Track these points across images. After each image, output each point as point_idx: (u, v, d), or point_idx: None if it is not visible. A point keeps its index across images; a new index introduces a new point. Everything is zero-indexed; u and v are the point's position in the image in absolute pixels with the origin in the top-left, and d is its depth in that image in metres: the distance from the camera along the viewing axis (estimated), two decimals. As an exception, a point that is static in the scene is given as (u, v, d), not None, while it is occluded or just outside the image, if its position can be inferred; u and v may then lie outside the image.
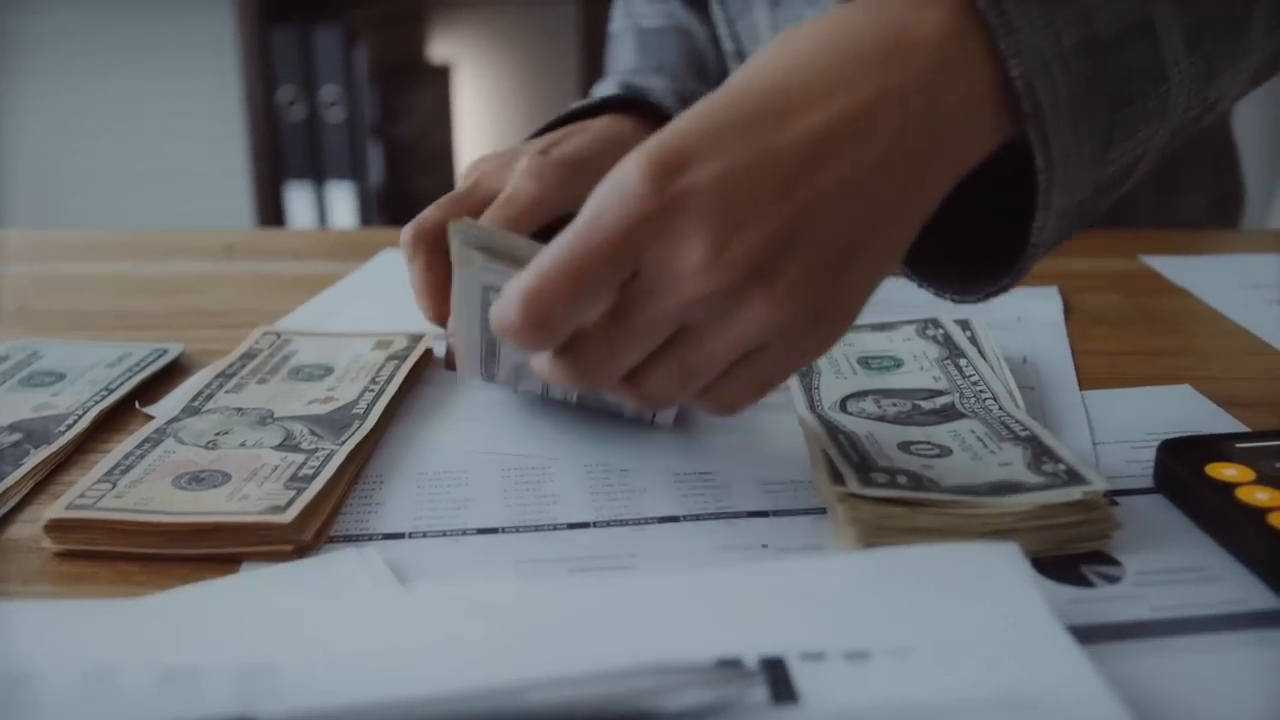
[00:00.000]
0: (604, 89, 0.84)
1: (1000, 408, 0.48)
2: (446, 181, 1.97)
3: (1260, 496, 0.42)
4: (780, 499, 0.44)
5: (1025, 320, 0.63)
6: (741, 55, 0.90)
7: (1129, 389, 0.54)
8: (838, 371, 0.52)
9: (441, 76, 1.99)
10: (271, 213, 1.82)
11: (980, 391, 0.50)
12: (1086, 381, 0.55)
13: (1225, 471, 0.44)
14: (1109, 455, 0.48)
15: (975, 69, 0.36)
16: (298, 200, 1.82)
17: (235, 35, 1.75)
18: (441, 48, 2.03)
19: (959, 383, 0.51)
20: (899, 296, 0.60)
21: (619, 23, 0.95)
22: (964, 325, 0.56)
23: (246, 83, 1.76)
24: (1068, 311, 0.64)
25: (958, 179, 0.38)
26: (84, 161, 1.98)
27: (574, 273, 0.35)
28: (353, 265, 0.74)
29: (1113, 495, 0.45)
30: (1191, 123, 0.43)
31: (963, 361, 0.53)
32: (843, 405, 0.49)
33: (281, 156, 1.80)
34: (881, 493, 0.40)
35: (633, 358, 0.37)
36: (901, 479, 0.41)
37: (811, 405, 0.49)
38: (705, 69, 0.93)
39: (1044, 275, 0.69)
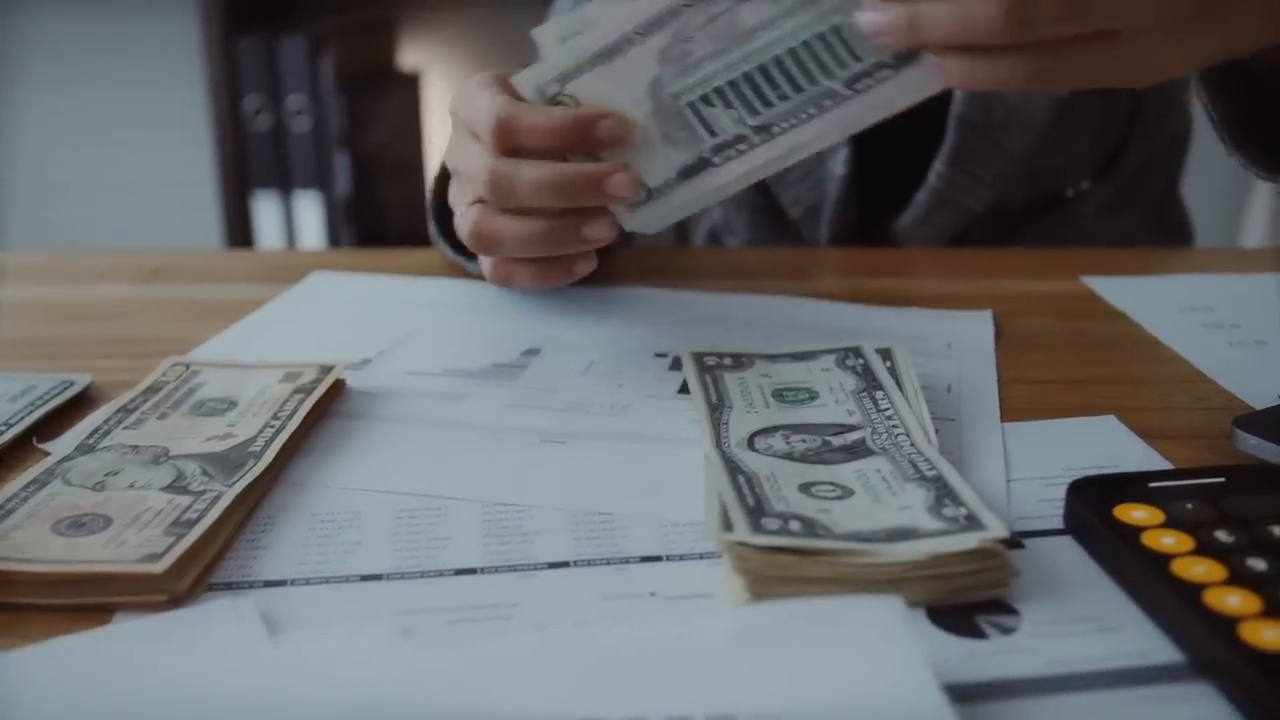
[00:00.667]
0: None
1: (912, 444, 0.47)
2: (416, 190, 1.95)
3: (1166, 542, 0.40)
4: (678, 542, 0.43)
5: (955, 347, 0.61)
6: None
7: (1052, 421, 0.53)
8: (750, 405, 0.51)
9: (411, 84, 1.98)
10: (238, 223, 1.80)
11: (894, 426, 0.49)
12: (1010, 412, 0.54)
13: (1134, 514, 0.42)
14: (1022, 493, 0.46)
15: None
16: (265, 210, 1.81)
17: (200, 44, 1.73)
18: (412, 55, 2.01)
19: (873, 417, 0.50)
20: (829, 321, 0.59)
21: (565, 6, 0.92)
22: (885, 355, 0.55)
23: (211, 92, 1.74)
24: (1000, 336, 0.63)
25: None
26: (47, 172, 1.96)
27: None
28: (280, 289, 0.72)
29: (1020, 537, 0.43)
30: None
31: (879, 394, 0.51)
32: (750, 442, 0.48)
33: (248, 166, 1.79)
34: (770, 541, 0.39)
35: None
36: (794, 525, 0.40)
37: (718, 442, 0.48)
38: None
39: (980, 298, 0.68)
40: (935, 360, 0.60)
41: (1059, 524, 0.44)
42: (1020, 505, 0.46)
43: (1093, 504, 0.43)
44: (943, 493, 0.42)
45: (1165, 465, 0.49)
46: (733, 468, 0.45)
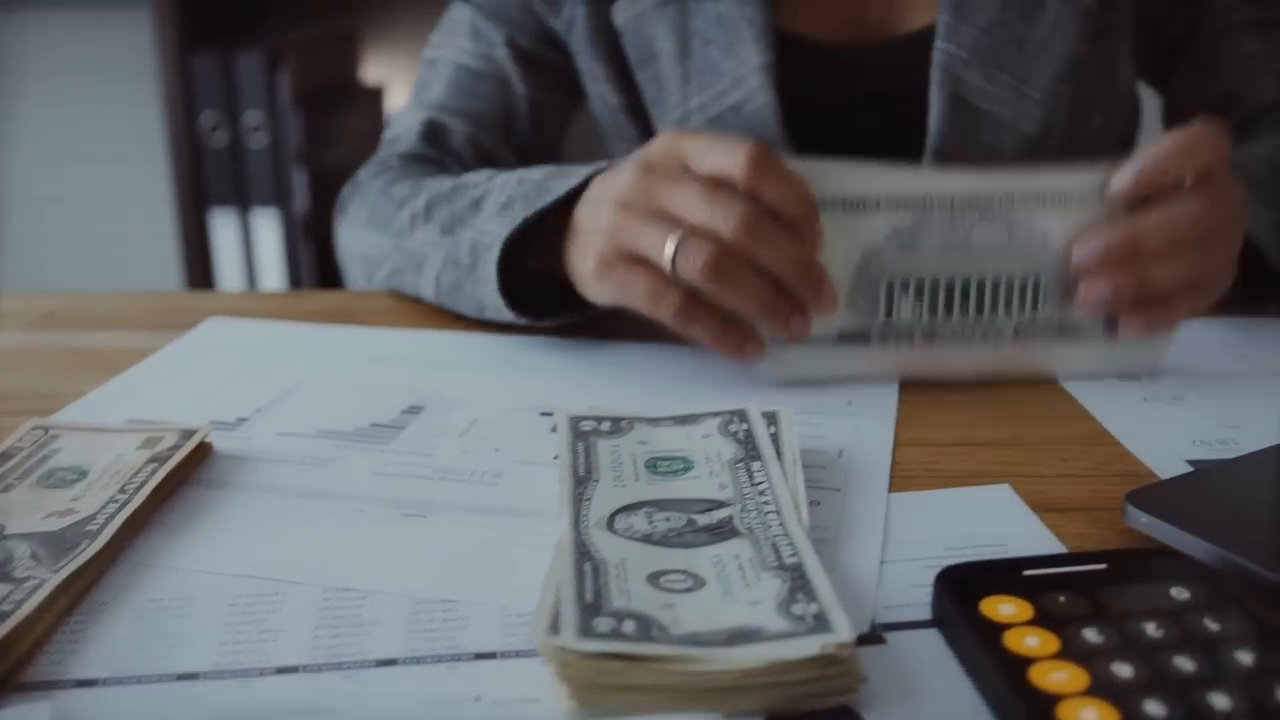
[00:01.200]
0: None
1: (781, 523, 0.44)
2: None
3: (1029, 642, 0.38)
4: (517, 635, 0.41)
5: (857, 403, 0.59)
6: (636, 110, 0.86)
7: (943, 490, 0.50)
8: (619, 477, 0.48)
9: (374, 99, 1.95)
10: (196, 241, 1.77)
11: (765, 503, 0.46)
12: (901, 479, 0.51)
13: (1001, 608, 0.40)
14: (896, 577, 0.44)
15: None
16: (222, 228, 1.78)
17: (154, 59, 1.70)
18: (374, 69, 1.98)
19: (745, 491, 0.47)
20: (737, 373, 0.57)
21: (438, 52, 0.91)
22: (771, 419, 0.52)
23: (167, 108, 1.72)
24: (906, 389, 0.60)
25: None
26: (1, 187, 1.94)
27: None
28: (175, 335, 0.70)
29: (884, 629, 0.41)
30: None
31: (756, 465, 0.49)
32: (611, 521, 0.45)
33: (204, 183, 1.76)
34: (598, 646, 0.36)
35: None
36: (628, 626, 0.37)
37: (576, 521, 0.45)
38: (513, 126, 0.89)
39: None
40: (833, 419, 0.57)
41: (929, 614, 0.42)
42: (891, 591, 0.43)
43: (958, 596, 0.40)
44: (797, 585, 0.40)
45: (1053, 544, 0.46)
46: (582, 554, 0.42)
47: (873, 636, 0.40)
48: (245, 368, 0.65)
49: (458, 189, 0.73)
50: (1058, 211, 0.59)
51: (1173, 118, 0.92)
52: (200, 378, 0.64)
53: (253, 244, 1.79)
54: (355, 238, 0.82)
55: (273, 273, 1.79)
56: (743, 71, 0.79)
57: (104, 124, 1.92)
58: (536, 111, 0.89)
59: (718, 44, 0.80)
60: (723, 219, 0.55)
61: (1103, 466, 0.53)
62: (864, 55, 0.84)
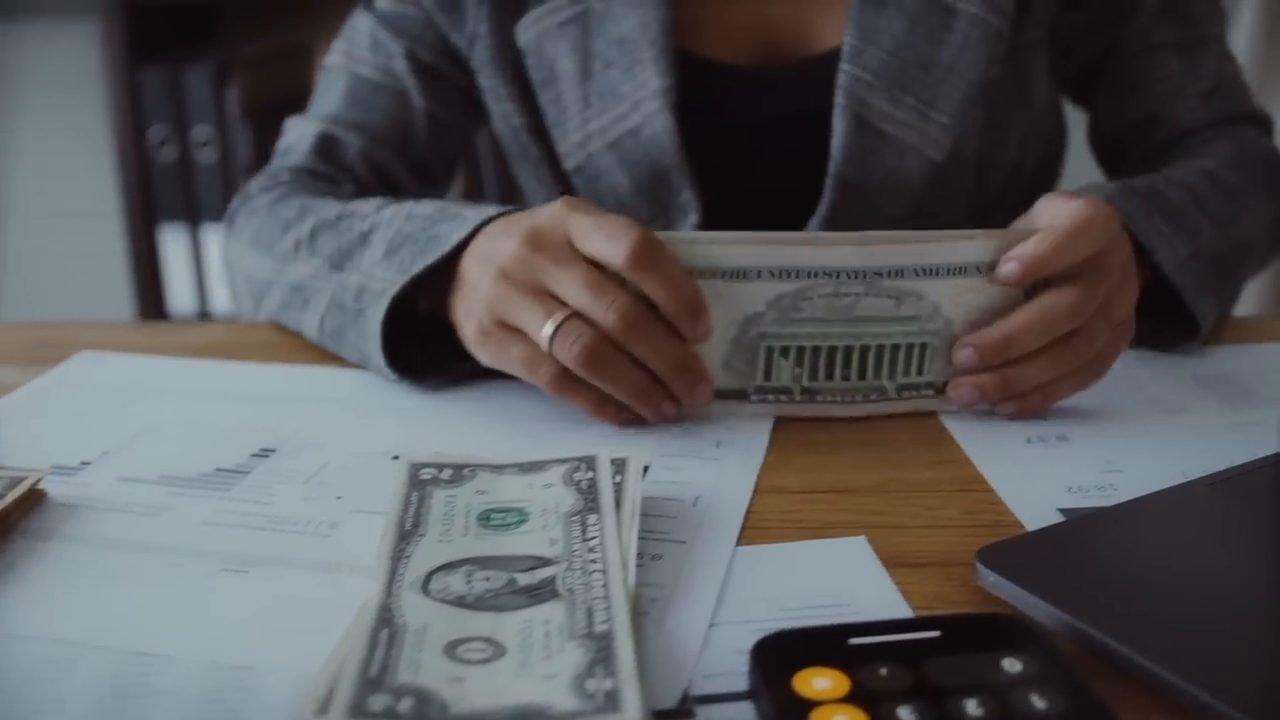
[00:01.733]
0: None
1: (604, 585, 0.42)
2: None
3: (837, 721, 0.35)
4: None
5: (726, 445, 0.57)
6: (539, 131, 0.83)
7: (795, 543, 0.48)
8: (446, 532, 0.46)
9: (331, 112, 1.93)
10: (145, 257, 1.75)
11: (593, 561, 0.44)
12: (754, 531, 0.49)
13: (815, 682, 0.37)
14: (722, 642, 0.41)
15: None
16: (172, 244, 1.76)
17: (102, 73, 1.68)
18: (332, 82, 1.96)
19: (575, 548, 0.45)
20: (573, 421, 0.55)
21: (336, 59, 0.88)
22: (620, 466, 0.50)
23: (115, 123, 1.69)
24: (779, 429, 0.58)
25: None
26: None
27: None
28: (43, 369, 0.67)
29: (697, 702, 0.38)
30: None
31: (593, 519, 0.46)
32: (427, 581, 0.43)
33: (154, 198, 1.74)
34: (365, 729, 0.34)
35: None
36: (406, 704, 0.35)
37: (390, 582, 0.43)
38: (410, 141, 0.86)
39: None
40: (696, 464, 0.55)
41: (746, 685, 0.39)
42: (714, 659, 0.41)
43: (773, 667, 0.38)
44: (600, 657, 0.37)
45: (898, 605, 0.44)
46: (383, 620, 0.40)
47: (682, 710, 0.38)
48: (103, 407, 0.62)
49: (344, 218, 0.71)
50: (948, 281, 0.57)
51: (1097, 139, 0.90)
52: (58, 417, 0.62)
53: (203, 260, 1.77)
54: (240, 256, 0.79)
55: (224, 289, 1.76)
56: (641, 95, 0.77)
57: (51, 138, 1.89)
58: (435, 127, 0.86)
59: (618, 66, 0.78)
60: (602, 311, 0.54)
61: (969, 516, 0.50)
62: (772, 77, 0.82)
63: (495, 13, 0.82)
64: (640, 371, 0.57)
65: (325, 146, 0.84)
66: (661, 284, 0.54)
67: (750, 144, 0.81)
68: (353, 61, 0.86)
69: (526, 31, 0.81)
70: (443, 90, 0.86)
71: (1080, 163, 0.95)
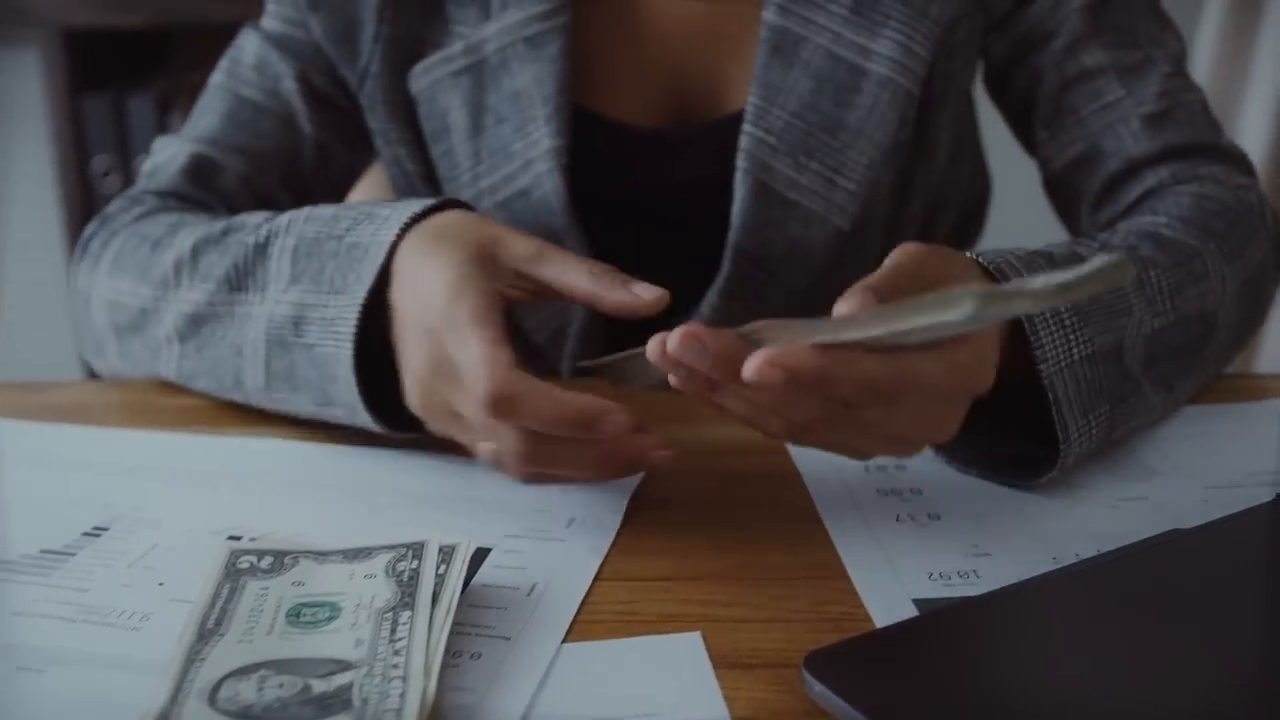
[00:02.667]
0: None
1: (401, 694, 0.40)
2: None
3: None
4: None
5: (579, 524, 0.54)
6: (432, 180, 0.80)
7: (625, 640, 0.46)
8: (250, 630, 0.44)
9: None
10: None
11: (394, 666, 0.41)
12: (584, 626, 0.47)
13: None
14: (522, 757, 0.39)
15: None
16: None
17: (45, 102, 1.66)
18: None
19: (380, 650, 0.42)
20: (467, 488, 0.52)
21: (219, 78, 0.81)
22: (447, 555, 0.48)
23: (58, 153, 1.67)
24: (639, 500, 0.56)
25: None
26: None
27: None
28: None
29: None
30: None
31: (405, 616, 0.44)
32: (216, 688, 0.40)
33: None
34: None
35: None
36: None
37: (177, 689, 0.40)
38: (295, 169, 0.80)
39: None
40: (542, 546, 0.52)
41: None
42: (508, 776, 0.38)
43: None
44: (369, 783, 0.35)
45: (719, 713, 0.41)
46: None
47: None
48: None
49: (230, 231, 0.65)
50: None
51: (1047, 185, 0.82)
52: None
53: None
54: (97, 284, 0.71)
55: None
56: (533, 154, 0.74)
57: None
58: (322, 155, 0.81)
59: (510, 122, 0.75)
60: (505, 447, 0.51)
61: (817, 609, 0.48)
62: (675, 139, 0.78)
63: (389, 52, 0.77)
64: (578, 466, 0.53)
65: (199, 169, 0.77)
66: (532, 422, 0.50)
67: (650, 209, 0.78)
68: (236, 81, 0.80)
69: (419, 79, 0.77)
70: (333, 118, 0.81)
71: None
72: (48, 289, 1.85)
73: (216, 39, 0.82)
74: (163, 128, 1.67)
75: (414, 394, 0.55)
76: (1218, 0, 1.76)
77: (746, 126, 0.74)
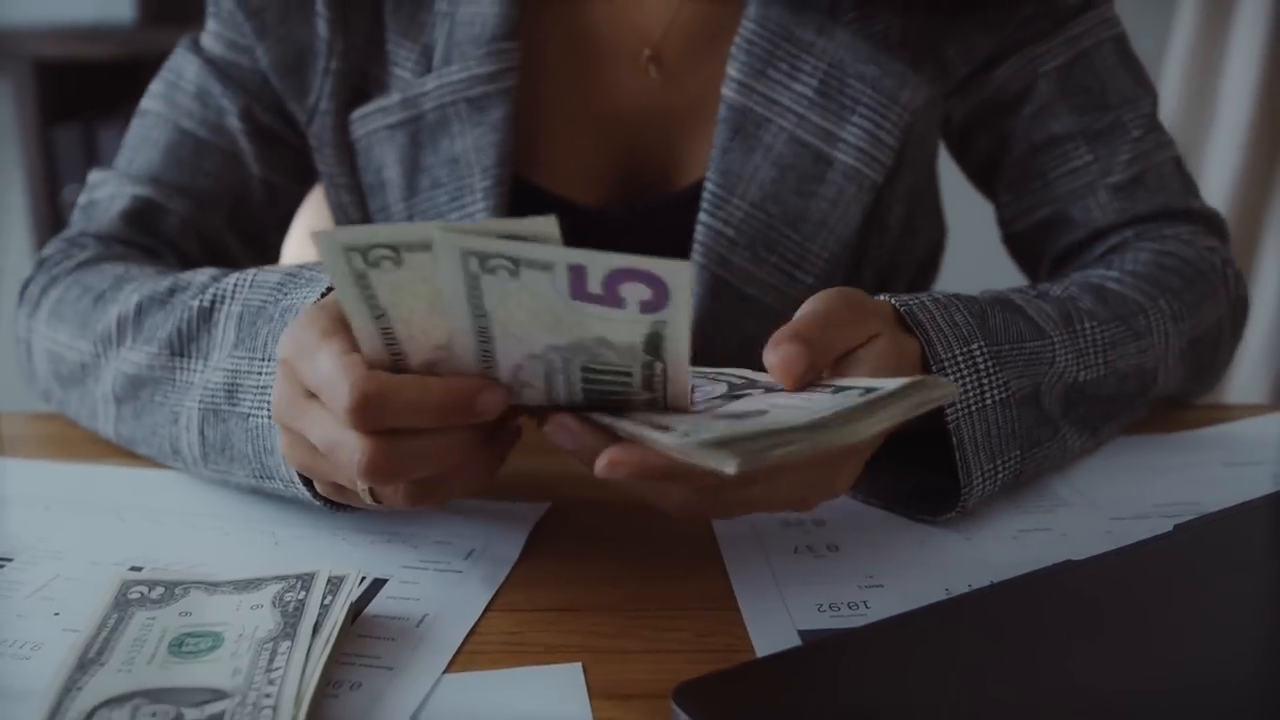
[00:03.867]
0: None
1: (271, 723, 0.40)
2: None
3: None
4: None
5: (477, 557, 0.55)
6: None
7: (506, 670, 0.46)
8: (129, 660, 0.44)
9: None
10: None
11: (267, 696, 0.42)
12: (468, 656, 0.47)
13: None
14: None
15: None
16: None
17: (15, 133, 1.68)
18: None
19: (256, 679, 0.43)
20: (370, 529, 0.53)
21: (156, 105, 0.77)
22: (334, 586, 0.48)
23: (30, 181, 1.69)
24: (540, 535, 0.56)
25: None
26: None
27: None
28: None
29: None
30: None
31: (285, 645, 0.45)
32: (89, 717, 0.41)
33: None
34: None
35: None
36: None
37: (53, 715, 0.41)
38: (242, 209, 0.76)
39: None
40: (439, 577, 0.53)
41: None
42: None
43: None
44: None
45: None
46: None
47: None
48: None
49: (176, 291, 0.62)
50: None
51: (1006, 238, 0.81)
52: None
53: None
54: (36, 332, 0.69)
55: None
56: None
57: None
58: (270, 193, 0.77)
59: (445, 189, 0.72)
60: (349, 465, 0.45)
61: (701, 640, 0.49)
62: (622, 218, 0.75)
63: (338, 88, 0.74)
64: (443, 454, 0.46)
65: (141, 213, 0.74)
66: (405, 417, 0.44)
67: None
68: (176, 111, 0.76)
69: (357, 126, 0.74)
70: (281, 155, 0.77)
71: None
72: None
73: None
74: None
75: (284, 443, 0.50)
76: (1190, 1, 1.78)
77: (703, 217, 0.71)
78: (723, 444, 0.39)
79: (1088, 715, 0.42)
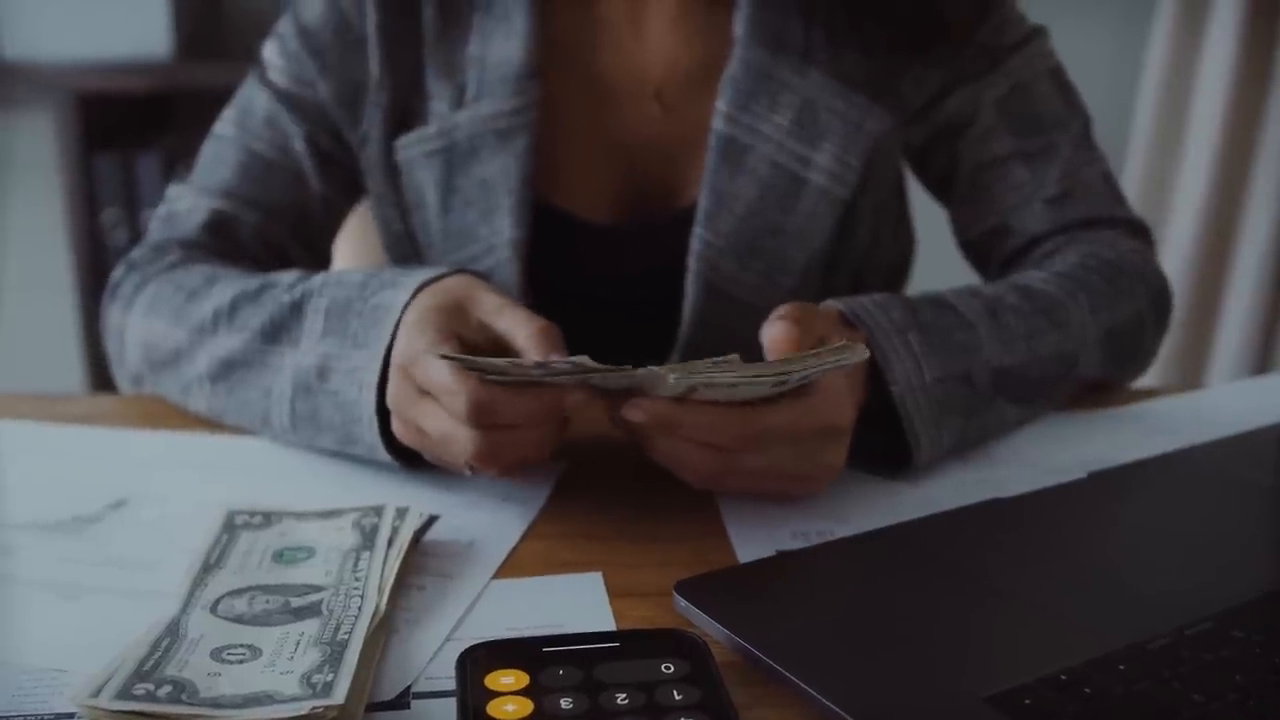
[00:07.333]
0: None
1: (359, 607, 0.51)
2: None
3: (508, 709, 0.45)
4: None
5: (513, 500, 0.66)
6: (412, 238, 0.88)
7: (542, 577, 0.58)
8: (242, 566, 0.56)
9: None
10: (96, 337, 1.84)
11: (355, 587, 0.53)
12: (511, 568, 0.59)
13: (503, 679, 0.47)
14: (453, 653, 0.50)
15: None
16: (120, 320, 1.85)
17: (57, 159, 1.79)
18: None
19: (345, 578, 0.54)
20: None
21: (229, 129, 0.88)
22: (401, 514, 0.59)
23: (70, 206, 1.80)
24: (567, 485, 0.68)
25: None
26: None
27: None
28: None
29: (419, 697, 0.48)
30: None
31: (366, 555, 0.56)
32: (216, 603, 0.52)
33: (106, 279, 1.84)
34: (124, 705, 0.43)
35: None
36: (163, 690, 0.44)
37: (186, 603, 0.52)
38: (306, 221, 0.88)
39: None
40: (481, 515, 0.64)
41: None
42: (443, 664, 0.50)
43: (473, 668, 0.47)
44: (331, 659, 0.47)
45: (609, 624, 0.53)
46: (170, 630, 0.49)
47: (398, 703, 0.48)
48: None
49: (266, 289, 0.73)
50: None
51: (960, 244, 0.94)
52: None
53: (149, 335, 1.86)
54: (131, 324, 0.80)
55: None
56: (495, 241, 0.82)
57: (6, 220, 2.00)
58: (328, 208, 0.89)
59: (477, 208, 0.83)
60: (480, 450, 0.59)
61: (698, 557, 0.60)
62: (630, 235, 0.87)
63: (386, 120, 0.85)
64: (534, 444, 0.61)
65: (220, 224, 0.85)
66: (512, 419, 0.58)
67: (604, 298, 0.86)
68: (247, 135, 0.86)
69: (401, 152, 0.85)
70: (337, 174, 0.88)
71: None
72: (60, 338, 1.97)
73: (218, 103, 0.92)
74: (169, 183, 1.80)
75: (396, 425, 0.64)
76: (1168, 1, 1.89)
77: (697, 229, 0.82)
78: (673, 370, 0.54)
79: (1006, 613, 0.54)
